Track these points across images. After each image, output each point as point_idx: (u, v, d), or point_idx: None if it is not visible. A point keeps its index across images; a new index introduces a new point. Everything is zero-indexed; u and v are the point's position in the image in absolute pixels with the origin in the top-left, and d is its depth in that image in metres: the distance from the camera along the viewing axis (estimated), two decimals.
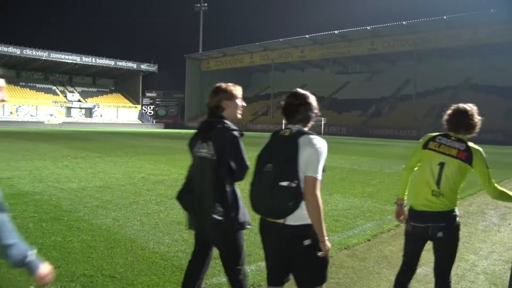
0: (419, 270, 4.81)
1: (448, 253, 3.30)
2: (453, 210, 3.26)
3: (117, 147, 23.09)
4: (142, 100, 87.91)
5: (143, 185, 10.12)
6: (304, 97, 2.92)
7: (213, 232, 3.07)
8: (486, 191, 3.33)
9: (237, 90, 3.50)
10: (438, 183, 3.24)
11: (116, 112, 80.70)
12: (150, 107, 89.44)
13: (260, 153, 2.90)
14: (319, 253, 2.71)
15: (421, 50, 63.32)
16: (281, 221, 2.69)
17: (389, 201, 8.90)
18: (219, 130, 3.14)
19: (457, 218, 3.28)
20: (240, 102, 3.46)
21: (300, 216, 2.68)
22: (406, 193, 3.63)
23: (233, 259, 3.22)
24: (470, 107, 3.47)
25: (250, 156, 2.92)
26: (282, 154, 2.71)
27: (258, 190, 2.77)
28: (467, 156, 3.21)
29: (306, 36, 72.97)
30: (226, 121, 3.22)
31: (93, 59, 77.09)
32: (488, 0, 66.84)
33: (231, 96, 3.41)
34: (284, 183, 2.62)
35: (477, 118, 3.40)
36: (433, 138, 3.49)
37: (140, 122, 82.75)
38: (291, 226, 2.69)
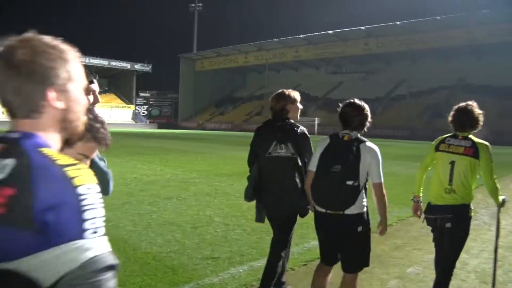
0: (410, 269, 4.85)
1: (454, 244, 3.59)
2: (464, 205, 3.54)
3: (111, 147, 22.99)
4: (135, 100, 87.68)
5: (136, 186, 10.10)
6: (361, 109, 3.44)
7: (294, 218, 3.90)
8: (485, 183, 3.61)
9: (297, 95, 3.88)
10: (450, 180, 3.55)
11: (110, 112, 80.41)
12: (143, 107, 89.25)
13: (324, 153, 3.39)
14: (379, 231, 3.46)
15: (415, 50, 63.62)
16: (340, 212, 3.25)
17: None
18: (295, 132, 3.70)
19: (470, 212, 3.56)
20: (300, 105, 3.88)
21: (356, 207, 3.26)
22: (422, 189, 4.00)
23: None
24: (470, 104, 3.68)
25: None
26: (347, 158, 3.24)
27: (326, 187, 3.29)
28: (474, 152, 3.50)
29: (301, 36, 73.13)
30: (295, 123, 3.76)
31: (87, 59, 76.77)
32: (482, 1, 67.33)
33: (294, 101, 3.81)
34: (350, 182, 3.20)
35: (478, 113, 3.65)
36: (443, 140, 3.77)
37: (134, 122, 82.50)
38: (348, 215, 3.25)
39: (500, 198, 3.71)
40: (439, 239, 3.70)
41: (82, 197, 1.00)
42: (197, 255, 5.03)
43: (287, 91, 3.83)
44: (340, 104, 3.64)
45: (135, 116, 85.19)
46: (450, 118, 3.79)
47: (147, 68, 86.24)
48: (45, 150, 1.05)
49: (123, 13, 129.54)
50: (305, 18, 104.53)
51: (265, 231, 6.13)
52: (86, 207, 1.00)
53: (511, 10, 54.91)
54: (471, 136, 3.63)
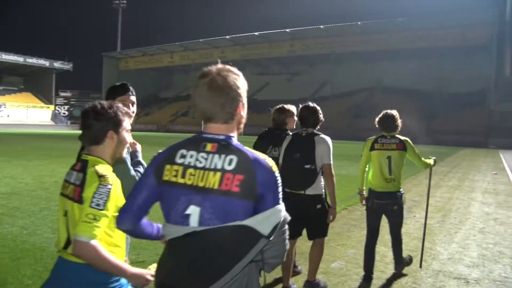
0: (334, 265, 5.02)
1: (400, 219, 4.76)
2: (400, 190, 4.68)
3: (27, 149, 21.65)
4: (55, 100, 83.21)
5: (56, 190, 9.58)
6: (314, 110, 4.26)
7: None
8: (418, 164, 4.78)
9: (294, 109, 4.68)
10: (390, 172, 4.58)
11: (26, 113, 75.55)
12: (64, 108, 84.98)
13: (287, 147, 4.21)
14: (331, 217, 4.15)
15: (337, 53, 66.16)
16: (302, 192, 4.04)
17: None
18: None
19: (403, 195, 4.73)
20: (295, 117, 4.62)
21: (314, 188, 4.05)
22: (364, 183, 4.89)
23: None
24: (393, 112, 4.80)
25: None
26: (305, 147, 4.08)
27: (290, 171, 4.00)
28: (403, 146, 4.62)
29: (227, 37, 73.38)
30: (289, 132, 4.58)
31: None
32: (398, 9, 71.50)
33: (292, 114, 4.67)
34: (307, 166, 4.02)
35: (398, 117, 4.76)
36: (375, 141, 4.73)
37: (54, 123, 78.10)
38: (308, 195, 4.05)
39: (431, 160, 4.95)
40: (377, 220, 4.79)
41: (277, 178, 1.63)
42: None
43: (286, 106, 4.68)
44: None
45: (55, 116, 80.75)
46: (378, 122, 4.78)
47: (67, 66, 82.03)
48: (246, 147, 1.67)
49: (42, 7, 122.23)
50: (232, 19, 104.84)
51: None
52: (279, 184, 1.63)
53: (423, 20, 59.07)
54: (396, 135, 4.71)
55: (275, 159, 4.24)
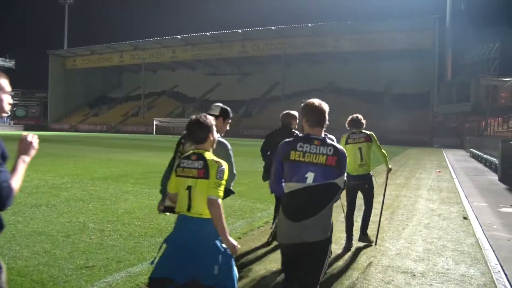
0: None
1: (372, 196, 6.15)
2: (370, 173, 6.09)
3: None
4: None
5: None
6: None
7: None
8: (380, 155, 6.17)
9: (297, 114, 5.63)
10: (361, 159, 5.95)
11: None
12: None
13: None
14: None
15: (289, 54, 66.93)
16: None
17: (259, 199, 9.24)
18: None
19: (373, 176, 6.16)
20: (297, 120, 5.67)
21: None
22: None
23: None
24: (360, 115, 6.11)
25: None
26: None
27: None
28: (369, 138, 6.02)
29: (178, 36, 72.58)
30: (294, 131, 5.68)
31: None
32: (348, 12, 73.29)
33: (296, 118, 5.77)
34: None
35: (362, 118, 6.14)
36: (348, 137, 6.07)
37: None
38: None
39: (390, 165, 6.40)
40: (353, 196, 6.15)
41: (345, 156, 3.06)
42: (70, 265, 4.70)
43: (292, 112, 5.82)
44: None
45: None
46: (349, 123, 6.12)
47: (9, 63, 78.46)
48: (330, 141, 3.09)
49: None
50: (183, 19, 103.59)
51: (143, 235, 5.99)
52: (345, 161, 3.03)
53: (372, 23, 60.88)
54: (363, 130, 6.09)
55: None
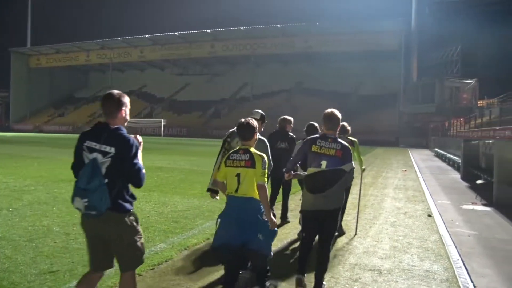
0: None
1: (347, 193, 6.54)
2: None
3: None
4: None
5: None
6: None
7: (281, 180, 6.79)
8: (359, 161, 6.95)
9: (291, 119, 7.30)
10: None
11: None
12: None
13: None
14: None
15: (258, 55, 67.14)
16: None
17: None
18: (290, 136, 7.17)
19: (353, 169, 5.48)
20: (292, 125, 7.29)
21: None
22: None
23: None
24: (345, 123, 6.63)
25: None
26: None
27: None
28: (352, 144, 6.42)
29: (146, 36, 71.73)
30: (289, 132, 7.20)
31: None
32: (317, 13, 74.04)
33: (291, 122, 7.24)
34: None
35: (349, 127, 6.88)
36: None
37: None
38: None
39: (363, 167, 7.42)
40: None
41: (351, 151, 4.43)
42: (33, 270, 4.56)
43: (288, 117, 7.21)
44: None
45: None
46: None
47: None
48: (340, 139, 4.44)
49: None
50: (151, 18, 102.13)
51: None
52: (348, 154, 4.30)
53: (340, 25, 61.75)
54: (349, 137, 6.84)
55: (283, 150, 6.84)
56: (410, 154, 31.03)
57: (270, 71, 71.60)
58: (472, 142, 15.79)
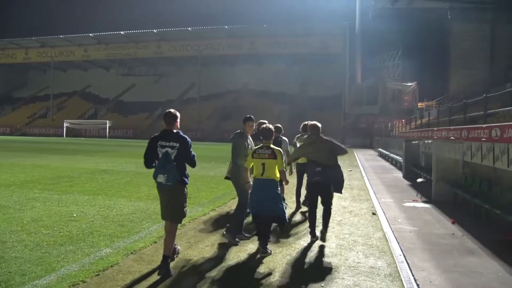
0: (203, 267, 5.02)
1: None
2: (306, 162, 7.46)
3: None
4: None
5: None
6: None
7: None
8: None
9: (282, 127, 8.48)
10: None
11: None
12: None
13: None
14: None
15: (205, 56, 66.77)
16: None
17: None
18: (282, 140, 8.22)
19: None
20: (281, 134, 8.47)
21: None
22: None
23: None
24: (314, 122, 7.15)
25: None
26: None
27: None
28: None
29: (90, 34, 69.56)
30: (282, 136, 8.32)
31: None
32: (264, 15, 74.63)
33: (281, 131, 8.30)
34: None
35: (319, 125, 7.16)
36: (298, 138, 8.54)
37: None
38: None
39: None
40: (301, 178, 8.58)
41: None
42: None
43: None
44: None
45: None
46: (305, 128, 7.87)
47: None
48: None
49: None
50: (96, 16, 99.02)
51: (52, 244, 5.65)
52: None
53: (287, 27, 62.62)
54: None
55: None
56: (355, 154, 31.86)
57: (217, 72, 71.39)
58: (413, 142, 16.47)
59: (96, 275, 4.61)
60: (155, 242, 5.98)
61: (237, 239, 6.13)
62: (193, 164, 5.05)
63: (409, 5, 38.13)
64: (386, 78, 51.16)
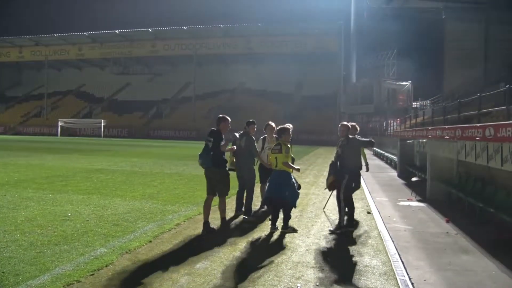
0: (198, 265, 5.03)
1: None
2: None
3: None
4: None
5: None
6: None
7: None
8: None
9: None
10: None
11: None
12: None
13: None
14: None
15: (200, 55, 66.64)
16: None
17: (170, 201, 9.10)
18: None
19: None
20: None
21: None
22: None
23: None
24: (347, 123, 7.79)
25: None
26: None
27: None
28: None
29: (85, 33, 69.15)
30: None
31: None
32: (260, 15, 74.62)
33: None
34: None
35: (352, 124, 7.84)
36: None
37: None
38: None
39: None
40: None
41: None
42: None
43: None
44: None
45: None
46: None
47: None
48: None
49: None
50: (91, 15, 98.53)
51: (46, 244, 5.63)
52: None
53: (282, 26, 62.60)
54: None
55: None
56: None
57: (212, 71, 71.30)
58: (408, 141, 16.51)
59: (91, 275, 4.60)
60: (150, 241, 5.97)
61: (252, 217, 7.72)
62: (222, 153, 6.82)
63: (404, 5, 38.16)
64: (381, 77, 51.23)
